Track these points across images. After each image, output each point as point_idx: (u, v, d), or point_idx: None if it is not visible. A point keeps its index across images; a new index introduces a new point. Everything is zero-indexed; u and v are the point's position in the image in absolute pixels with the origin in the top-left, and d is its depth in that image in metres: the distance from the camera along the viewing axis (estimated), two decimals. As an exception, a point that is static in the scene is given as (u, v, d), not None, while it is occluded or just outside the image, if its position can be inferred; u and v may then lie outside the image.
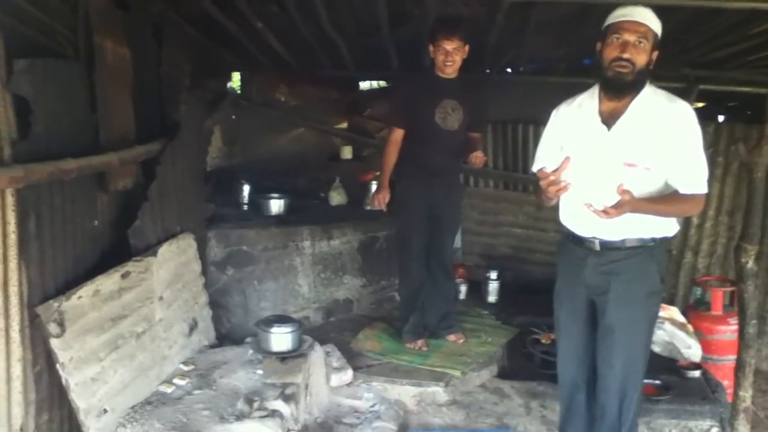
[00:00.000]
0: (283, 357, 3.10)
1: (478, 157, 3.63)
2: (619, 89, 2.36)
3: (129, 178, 3.16)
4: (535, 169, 2.57)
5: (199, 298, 3.46)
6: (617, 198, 2.24)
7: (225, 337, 3.72)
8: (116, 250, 2.97)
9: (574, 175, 2.40)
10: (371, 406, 3.34)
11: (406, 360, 3.67)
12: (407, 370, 3.57)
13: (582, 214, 2.42)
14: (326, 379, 3.38)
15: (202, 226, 3.83)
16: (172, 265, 3.21)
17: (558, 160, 2.36)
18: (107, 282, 2.68)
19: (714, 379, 3.45)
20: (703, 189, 2.37)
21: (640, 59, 2.31)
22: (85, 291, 2.53)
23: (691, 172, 2.34)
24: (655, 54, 2.36)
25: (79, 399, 2.36)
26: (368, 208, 4.60)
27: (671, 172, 2.36)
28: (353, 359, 3.62)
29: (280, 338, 3.12)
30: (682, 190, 2.36)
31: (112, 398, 2.55)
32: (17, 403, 2.27)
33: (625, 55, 2.29)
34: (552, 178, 2.27)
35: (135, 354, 2.77)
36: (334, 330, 4.13)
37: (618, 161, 2.36)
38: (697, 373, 3.42)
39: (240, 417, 2.66)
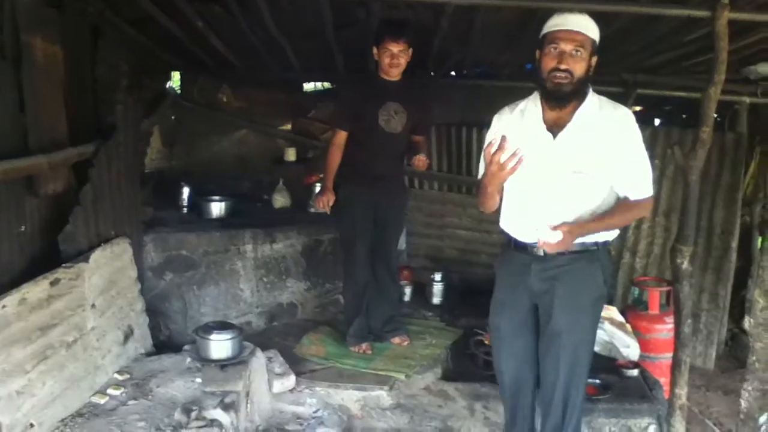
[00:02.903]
0: (222, 364, 3.02)
1: (420, 160, 3.63)
2: (560, 99, 2.36)
3: (60, 181, 3.05)
4: (480, 175, 2.54)
5: (135, 305, 3.35)
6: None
7: (164, 345, 3.61)
8: (47, 257, 2.85)
9: (519, 182, 2.43)
10: (314, 412, 3.29)
11: (350, 364, 3.63)
12: (351, 374, 3.53)
13: (526, 220, 2.45)
14: (268, 386, 3.32)
15: (138, 231, 3.71)
16: (106, 271, 3.09)
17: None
18: (35, 290, 2.56)
19: (652, 377, 3.53)
20: (650, 192, 2.41)
21: (578, 68, 2.30)
22: (10, 300, 2.41)
23: (639, 178, 2.38)
24: (594, 60, 2.36)
25: (1, 414, 2.24)
26: (312, 210, 4.55)
27: (619, 179, 2.38)
28: (296, 365, 3.57)
29: (220, 345, 3.04)
30: (632, 197, 2.38)
31: (40, 411, 2.43)
32: (-66, 421, 2.15)
33: (563, 66, 2.29)
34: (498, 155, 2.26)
35: (65, 364, 2.66)
36: (278, 335, 4.07)
37: (565, 169, 2.37)
38: (635, 372, 3.49)
39: (177, 428, 2.57)
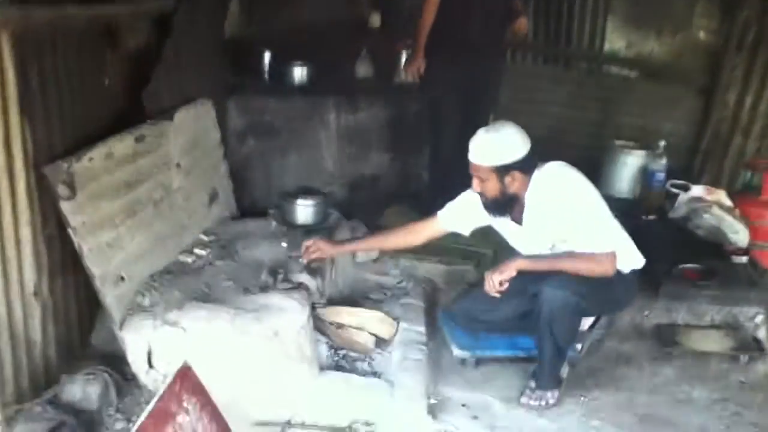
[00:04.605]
0: (307, 230, 2.95)
1: (522, 23, 3.33)
2: (491, 212, 2.52)
3: (141, 35, 2.92)
4: (440, 215, 2.72)
5: (219, 168, 3.29)
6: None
7: (247, 211, 3.57)
8: (131, 116, 2.77)
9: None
10: (398, 283, 3.24)
11: (434, 238, 3.52)
12: (437, 248, 3.40)
13: None
14: (351, 255, 3.26)
15: (221, 94, 3.60)
16: (190, 131, 3.01)
17: (470, 223, 2.69)
18: (120, 145, 2.49)
19: (761, 265, 3.27)
20: (599, 248, 2.37)
21: (487, 190, 2.44)
22: (97, 153, 2.35)
23: (583, 235, 2.37)
24: (512, 175, 2.39)
25: (93, 265, 2.22)
26: (398, 80, 4.30)
27: (575, 238, 2.40)
28: (380, 235, 3.48)
29: (305, 210, 2.97)
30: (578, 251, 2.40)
31: (130, 266, 2.42)
32: (29, 266, 2.16)
33: (476, 190, 2.48)
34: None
35: (152, 222, 2.63)
36: (360, 206, 3.95)
37: (539, 246, 2.49)
38: (744, 259, 3.24)
39: (264, 288, 2.54)
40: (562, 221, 2.40)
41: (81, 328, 2.49)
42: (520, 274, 2.40)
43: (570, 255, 2.41)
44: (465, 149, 3.57)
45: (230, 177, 3.42)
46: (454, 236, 3.48)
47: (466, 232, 2.76)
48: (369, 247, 3.00)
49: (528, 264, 2.43)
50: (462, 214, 2.69)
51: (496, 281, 2.40)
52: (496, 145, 2.41)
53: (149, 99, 2.85)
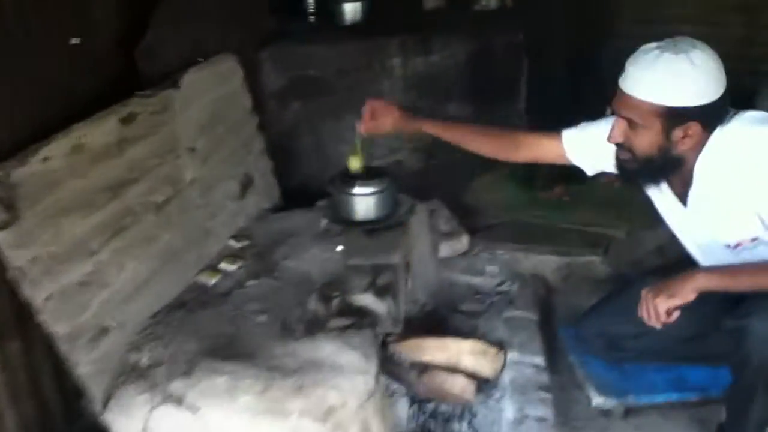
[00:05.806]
0: (370, 228, 2.15)
1: None
2: (628, 180, 1.80)
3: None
4: (565, 135, 1.94)
5: (252, 145, 2.51)
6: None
7: (296, 193, 2.78)
8: (123, 91, 2.01)
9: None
10: (497, 285, 2.43)
11: (541, 216, 2.69)
12: (545, 230, 2.59)
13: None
14: (432, 250, 2.45)
15: (251, 45, 2.78)
16: (207, 100, 2.24)
17: (600, 162, 1.85)
18: (96, 132, 1.74)
19: None
20: None
21: (640, 144, 1.65)
22: (57, 148, 1.61)
23: None
24: (693, 128, 1.59)
25: (55, 321, 1.50)
26: (479, 6, 3.38)
27: None
28: (468, 218, 2.74)
29: (366, 201, 2.15)
30: None
31: (119, 308, 1.70)
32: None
33: (616, 140, 1.69)
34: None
35: (156, 234, 1.89)
36: (438, 178, 3.13)
37: (715, 242, 1.73)
38: None
39: (311, 327, 1.76)
40: (761, 208, 1.56)
41: (63, 396, 1.80)
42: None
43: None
44: (576, 89, 2.73)
45: (271, 153, 2.65)
46: (563, 211, 2.66)
47: (590, 171, 1.95)
48: (452, 137, 2.12)
49: (717, 281, 1.56)
50: (595, 146, 1.85)
51: (661, 309, 1.55)
52: (677, 73, 1.55)
53: (145, 57, 2.10)
